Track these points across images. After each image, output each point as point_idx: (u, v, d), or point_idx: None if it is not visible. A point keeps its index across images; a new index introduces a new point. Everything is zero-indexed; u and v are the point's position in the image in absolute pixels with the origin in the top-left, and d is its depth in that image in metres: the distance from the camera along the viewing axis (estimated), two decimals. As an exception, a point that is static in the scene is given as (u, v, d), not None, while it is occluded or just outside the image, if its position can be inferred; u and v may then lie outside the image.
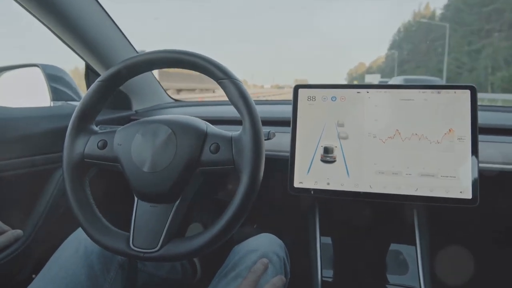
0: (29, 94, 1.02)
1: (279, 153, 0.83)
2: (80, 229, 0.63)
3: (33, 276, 0.60)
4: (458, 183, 0.67)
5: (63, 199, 0.81)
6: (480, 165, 0.67)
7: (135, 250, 0.51)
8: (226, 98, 0.55)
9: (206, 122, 0.57)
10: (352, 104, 0.73)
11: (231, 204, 0.50)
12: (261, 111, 0.55)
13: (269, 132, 0.64)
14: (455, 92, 0.69)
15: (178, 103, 1.27)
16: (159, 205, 0.53)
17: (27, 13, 0.82)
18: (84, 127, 0.58)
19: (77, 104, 0.58)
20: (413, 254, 0.79)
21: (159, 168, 0.52)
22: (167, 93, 1.28)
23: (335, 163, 0.72)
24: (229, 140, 0.53)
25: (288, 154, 0.75)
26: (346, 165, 0.72)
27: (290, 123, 0.75)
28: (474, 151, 0.67)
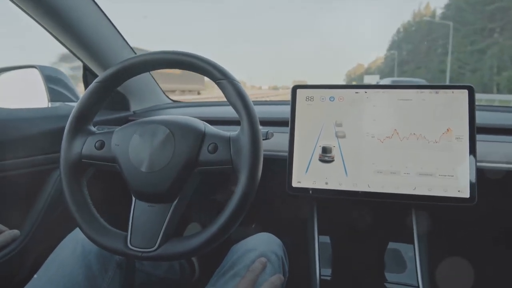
0: (27, 95, 1.02)
1: (278, 153, 0.83)
2: (77, 229, 0.63)
3: (35, 276, 0.59)
4: (456, 182, 0.67)
5: (60, 200, 0.80)
6: (478, 164, 0.67)
7: (133, 250, 0.51)
8: (224, 99, 0.55)
9: (204, 122, 0.57)
10: (350, 104, 0.73)
11: (229, 203, 0.50)
12: (259, 111, 0.55)
13: (267, 132, 0.64)
14: (453, 92, 0.70)
15: (176, 104, 1.27)
16: (157, 204, 0.53)
17: (25, 14, 0.82)
18: (81, 128, 0.58)
19: (75, 105, 0.58)
20: (411, 252, 0.79)
21: (157, 168, 0.52)
22: (165, 94, 1.28)
23: (333, 162, 0.73)
24: (227, 140, 0.53)
25: (286, 154, 0.75)
26: (344, 165, 0.72)
27: (288, 123, 0.75)
28: (472, 150, 0.67)
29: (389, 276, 0.79)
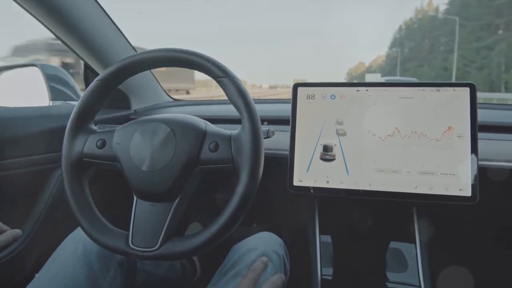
0: (28, 93, 1.02)
1: (279, 152, 0.83)
2: (79, 228, 0.63)
3: (36, 275, 0.60)
4: (458, 181, 0.67)
5: (62, 199, 0.80)
6: (480, 162, 0.67)
7: (134, 249, 0.51)
8: (225, 97, 0.54)
9: (205, 121, 0.57)
10: (352, 102, 0.73)
11: (230, 202, 0.50)
12: (260, 109, 0.55)
13: (268, 130, 0.63)
14: (454, 90, 0.69)
15: (177, 102, 1.27)
16: (158, 204, 0.53)
17: (27, 13, 0.82)
18: (82, 127, 0.58)
19: (76, 103, 0.58)
20: (413, 252, 0.79)
21: (158, 166, 0.52)
22: (166, 92, 1.28)
23: (335, 161, 0.72)
24: (228, 138, 0.53)
25: (287, 152, 0.75)
26: (345, 163, 0.72)
27: (289, 121, 0.75)
28: (474, 149, 0.67)
29: (390, 275, 0.79)
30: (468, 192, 0.67)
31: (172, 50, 0.55)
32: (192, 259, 0.96)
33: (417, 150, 0.69)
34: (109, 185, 0.87)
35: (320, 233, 0.85)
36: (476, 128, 0.67)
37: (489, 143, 0.76)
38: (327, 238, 0.87)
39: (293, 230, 0.90)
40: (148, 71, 1.12)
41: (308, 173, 0.73)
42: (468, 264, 0.89)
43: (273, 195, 0.83)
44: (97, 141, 0.56)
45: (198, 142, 0.53)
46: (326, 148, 0.73)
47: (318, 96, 0.75)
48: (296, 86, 0.76)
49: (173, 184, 0.52)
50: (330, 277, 0.81)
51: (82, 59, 0.99)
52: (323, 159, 0.73)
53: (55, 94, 0.96)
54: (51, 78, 0.97)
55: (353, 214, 0.85)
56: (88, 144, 0.56)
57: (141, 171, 0.53)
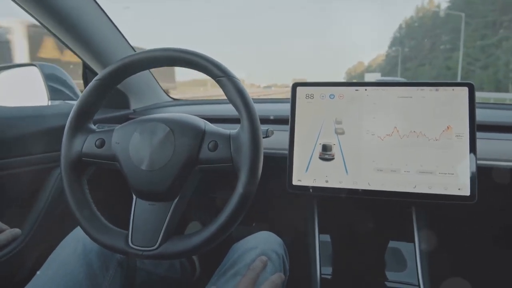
0: (27, 93, 1.02)
1: (278, 151, 0.83)
2: (78, 227, 0.63)
3: (38, 273, 0.60)
4: (457, 180, 0.67)
5: (61, 198, 0.80)
6: (478, 162, 0.67)
7: (133, 248, 0.51)
8: (224, 96, 0.55)
9: (204, 120, 0.57)
10: (350, 102, 0.73)
11: (229, 202, 0.50)
12: (260, 109, 0.55)
13: (267, 130, 0.63)
14: (453, 90, 0.69)
15: (176, 102, 1.27)
16: (157, 203, 0.53)
17: (26, 13, 0.82)
18: (82, 126, 0.58)
19: (75, 103, 0.58)
20: (412, 251, 0.79)
21: (157, 166, 0.52)
22: (165, 92, 1.28)
23: (334, 160, 0.72)
24: (227, 138, 0.53)
25: (286, 152, 0.75)
26: (344, 163, 0.72)
27: (288, 121, 0.75)
28: (472, 148, 0.67)
29: (389, 274, 0.79)
30: (466, 192, 0.67)
31: (171, 49, 0.55)
32: (192, 258, 0.96)
33: (416, 150, 0.69)
34: (109, 185, 0.87)
35: (320, 232, 0.85)
36: (475, 127, 0.67)
37: (487, 143, 0.76)
38: (326, 238, 0.87)
39: (293, 229, 0.90)
40: (146, 71, 1.12)
41: (307, 173, 0.73)
42: (467, 263, 0.89)
43: (272, 194, 0.83)
44: (96, 140, 0.56)
45: (197, 142, 0.53)
46: (325, 148, 0.73)
47: (317, 95, 0.75)
48: (295, 86, 0.76)
49: (173, 183, 0.52)
50: (329, 276, 0.81)
51: (81, 59, 0.99)
52: (322, 158, 0.73)
53: (54, 93, 0.96)
54: (50, 78, 0.97)
55: (352, 213, 0.85)
56: (87, 144, 0.56)
57: (140, 171, 0.53)
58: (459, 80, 0.74)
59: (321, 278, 0.80)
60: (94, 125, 0.60)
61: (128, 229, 0.53)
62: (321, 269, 0.81)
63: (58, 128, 0.83)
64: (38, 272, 0.60)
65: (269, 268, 0.62)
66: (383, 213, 0.84)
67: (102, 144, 0.56)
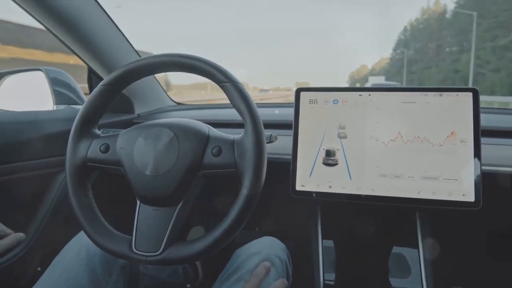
0: (33, 98, 1.03)
1: (281, 156, 0.83)
2: (82, 232, 0.63)
3: (43, 276, 0.60)
4: (461, 186, 0.67)
5: (65, 203, 0.81)
6: (483, 167, 0.67)
7: (137, 254, 0.51)
8: (228, 101, 0.55)
9: (208, 125, 0.57)
10: (354, 107, 0.73)
11: (233, 207, 0.50)
12: (263, 114, 0.55)
13: (271, 135, 0.64)
14: (457, 95, 0.69)
15: (180, 107, 1.27)
16: (161, 208, 0.53)
17: (32, 18, 0.83)
18: (87, 131, 0.58)
19: (80, 108, 0.59)
20: (416, 257, 0.79)
21: (161, 171, 0.52)
22: (169, 97, 1.29)
23: (337, 166, 0.72)
24: (231, 143, 0.53)
25: (290, 157, 0.75)
26: (348, 168, 0.72)
27: (292, 126, 0.75)
28: (477, 153, 0.67)
29: (393, 281, 0.79)
30: (471, 197, 0.66)
31: (176, 55, 0.56)
32: (195, 263, 0.95)
33: (420, 155, 0.69)
34: (113, 190, 0.87)
35: (323, 238, 0.85)
36: (479, 133, 0.67)
37: (492, 148, 0.76)
38: (330, 243, 0.86)
39: (296, 234, 0.90)
40: (151, 76, 1.13)
41: (310, 178, 0.73)
42: (472, 270, 0.88)
43: (275, 199, 0.83)
44: (101, 145, 0.56)
45: (201, 147, 0.53)
46: (329, 153, 0.73)
47: (320, 100, 0.75)
48: (298, 91, 0.77)
49: (176, 188, 0.52)
50: (332, 282, 0.80)
51: (86, 64, 0.99)
52: (326, 164, 0.73)
53: (59, 98, 0.97)
54: (55, 82, 0.98)
55: (356, 219, 0.84)
56: (92, 149, 0.57)
57: (144, 176, 0.53)
58: (470, 84, 0.74)
59: (324, 284, 0.79)
60: (99, 130, 0.61)
61: (131, 234, 0.53)
62: (324, 275, 0.80)
63: (63, 132, 0.84)
64: (43, 276, 0.60)
65: (272, 274, 0.62)
66: (386, 219, 0.83)
67: (106, 149, 0.56)
